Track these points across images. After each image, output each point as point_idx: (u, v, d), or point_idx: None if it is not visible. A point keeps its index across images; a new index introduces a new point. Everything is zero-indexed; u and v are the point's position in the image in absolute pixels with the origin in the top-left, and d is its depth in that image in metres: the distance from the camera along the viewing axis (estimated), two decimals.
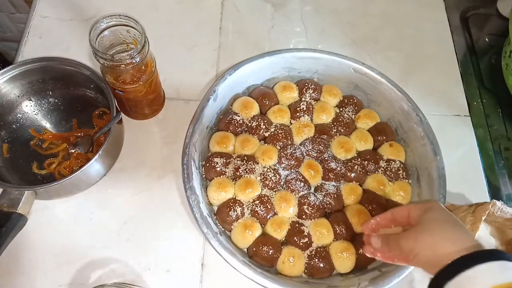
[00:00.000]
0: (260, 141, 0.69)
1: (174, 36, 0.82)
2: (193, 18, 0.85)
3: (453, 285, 0.39)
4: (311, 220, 0.63)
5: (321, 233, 0.62)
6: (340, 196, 0.65)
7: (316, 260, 0.60)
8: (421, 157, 0.67)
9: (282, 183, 0.66)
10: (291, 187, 0.65)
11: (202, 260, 0.64)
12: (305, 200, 0.64)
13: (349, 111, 0.73)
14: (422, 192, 0.65)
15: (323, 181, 0.67)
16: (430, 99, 0.80)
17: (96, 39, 0.58)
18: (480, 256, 0.40)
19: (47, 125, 0.71)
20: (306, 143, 0.69)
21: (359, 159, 0.68)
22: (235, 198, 0.64)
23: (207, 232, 0.57)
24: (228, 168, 0.65)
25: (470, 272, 0.39)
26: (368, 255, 0.52)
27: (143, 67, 0.62)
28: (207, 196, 0.64)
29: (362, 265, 0.62)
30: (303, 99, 0.73)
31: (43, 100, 0.70)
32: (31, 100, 0.69)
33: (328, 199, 0.65)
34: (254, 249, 0.60)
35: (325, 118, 0.72)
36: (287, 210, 0.63)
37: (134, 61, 0.58)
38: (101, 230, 0.65)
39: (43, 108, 0.70)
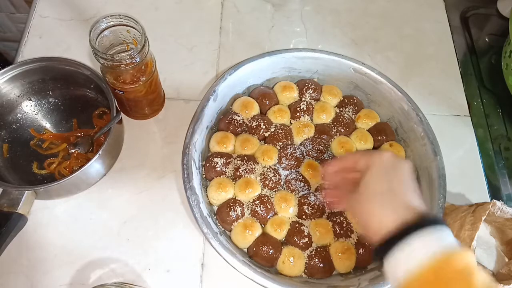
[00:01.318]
0: (260, 141, 0.69)
1: (174, 36, 0.82)
2: (193, 18, 0.85)
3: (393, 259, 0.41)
4: (311, 220, 0.63)
5: (321, 233, 0.61)
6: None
7: (316, 260, 0.60)
8: (421, 157, 0.67)
9: (282, 183, 0.66)
10: (291, 187, 0.65)
11: (202, 260, 0.64)
12: (305, 200, 0.64)
13: (349, 111, 0.73)
14: (422, 192, 0.65)
15: (323, 181, 0.67)
16: (430, 99, 0.80)
17: (96, 39, 0.58)
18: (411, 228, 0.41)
19: (47, 125, 0.71)
20: (306, 143, 0.69)
21: None
22: (235, 198, 0.64)
23: (207, 232, 0.57)
24: (228, 168, 0.65)
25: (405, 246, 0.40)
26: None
27: (143, 67, 0.62)
28: (207, 196, 0.64)
29: (362, 265, 0.62)
30: (303, 99, 0.73)
31: (43, 100, 0.70)
32: (31, 100, 0.69)
33: None
34: (254, 249, 0.60)
35: (325, 118, 0.72)
36: (287, 210, 0.63)
37: (134, 61, 0.58)
38: (101, 230, 0.65)
39: (43, 108, 0.70)
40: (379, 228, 0.43)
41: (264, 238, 0.61)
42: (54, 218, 0.65)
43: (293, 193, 0.65)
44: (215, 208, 0.64)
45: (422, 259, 0.39)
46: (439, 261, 0.39)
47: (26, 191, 0.57)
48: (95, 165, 0.61)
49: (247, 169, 0.65)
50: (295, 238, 0.61)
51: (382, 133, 0.71)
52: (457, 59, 0.86)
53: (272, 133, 0.68)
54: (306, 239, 0.61)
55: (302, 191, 0.65)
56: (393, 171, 0.46)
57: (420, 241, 0.40)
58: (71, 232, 0.64)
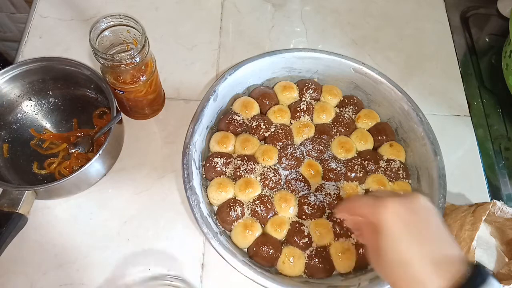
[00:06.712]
0: (260, 141, 0.69)
1: (174, 36, 0.82)
2: (193, 18, 0.85)
3: None
4: (311, 220, 0.63)
5: (321, 233, 0.61)
6: (340, 196, 0.65)
7: (316, 260, 0.60)
8: (421, 157, 0.67)
9: (282, 183, 0.66)
10: (291, 187, 0.65)
11: (202, 260, 0.64)
12: (305, 200, 0.64)
13: (349, 111, 0.73)
14: (422, 192, 0.65)
15: (323, 181, 0.67)
16: (430, 99, 0.80)
17: (96, 39, 0.58)
18: None
19: (47, 125, 0.71)
20: (306, 143, 0.69)
21: (359, 159, 0.68)
22: (235, 198, 0.64)
23: (207, 232, 0.57)
24: (228, 168, 0.65)
25: None
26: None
27: (143, 67, 0.62)
28: (207, 196, 0.64)
29: (362, 265, 0.62)
30: (303, 99, 0.73)
31: (43, 100, 0.70)
32: (31, 100, 0.69)
33: (328, 199, 0.65)
34: (254, 249, 0.60)
35: (325, 118, 0.72)
36: (287, 210, 0.63)
37: (134, 61, 0.58)
38: (101, 230, 0.65)
39: (43, 108, 0.70)
40: None
41: (264, 238, 0.61)
42: (54, 218, 0.65)
43: (293, 193, 0.65)
44: (215, 208, 0.64)
45: None
46: None
47: (26, 191, 0.57)
48: (95, 165, 0.61)
49: (247, 169, 0.65)
50: (295, 238, 0.61)
51: (382, 133, 0.71)
52: (457, 59, 0.86)
53: (272, 133, 0.68)
54: (306, 239, 0.61)
55: (302, 191, 0.65)
56: (415, 228, 0.40)
57: None
58: (71, 232, 0.64)
